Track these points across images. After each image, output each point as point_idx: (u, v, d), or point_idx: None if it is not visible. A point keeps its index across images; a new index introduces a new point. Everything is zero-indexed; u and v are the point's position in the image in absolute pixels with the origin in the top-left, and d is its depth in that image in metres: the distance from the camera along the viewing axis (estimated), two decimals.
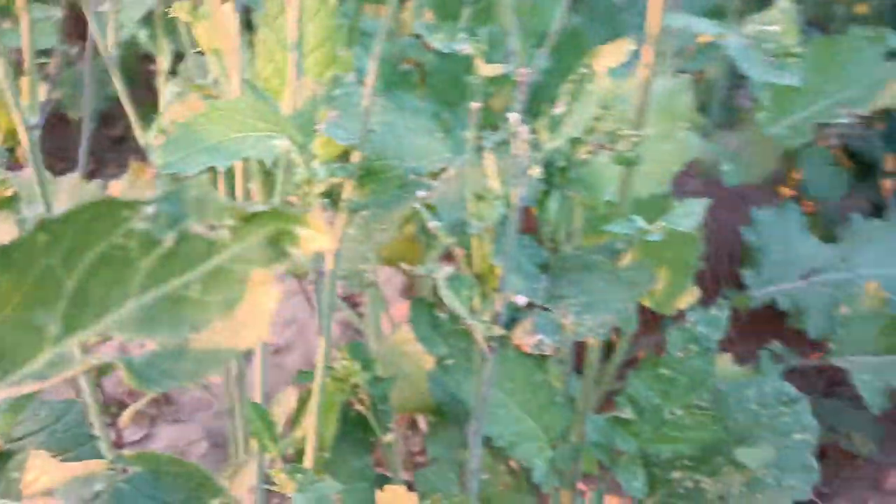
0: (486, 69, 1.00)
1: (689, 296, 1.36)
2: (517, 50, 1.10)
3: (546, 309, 1.01)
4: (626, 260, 1.15)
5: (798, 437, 1.12)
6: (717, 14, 1.50)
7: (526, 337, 0.99)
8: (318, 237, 0.52)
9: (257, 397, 1.03)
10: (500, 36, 1.29)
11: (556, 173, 1.07)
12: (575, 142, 1.00)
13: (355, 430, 1.05)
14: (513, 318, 1.01)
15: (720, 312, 1.13)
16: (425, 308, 1.16)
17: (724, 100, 1.66)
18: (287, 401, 1.07)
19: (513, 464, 1.17)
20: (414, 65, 1.49)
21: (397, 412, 1.25)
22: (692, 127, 1.24)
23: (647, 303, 1.37)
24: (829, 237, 1.66)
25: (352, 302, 1.74)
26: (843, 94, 1.39)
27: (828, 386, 1.55)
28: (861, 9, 1.90)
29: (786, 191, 1.82)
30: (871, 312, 1.33)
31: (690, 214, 1.07)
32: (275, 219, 0.53)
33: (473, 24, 1.53)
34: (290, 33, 1.03)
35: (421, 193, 1.05)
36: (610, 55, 0.97)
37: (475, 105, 1.03)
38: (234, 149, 0.97)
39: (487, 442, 1.10)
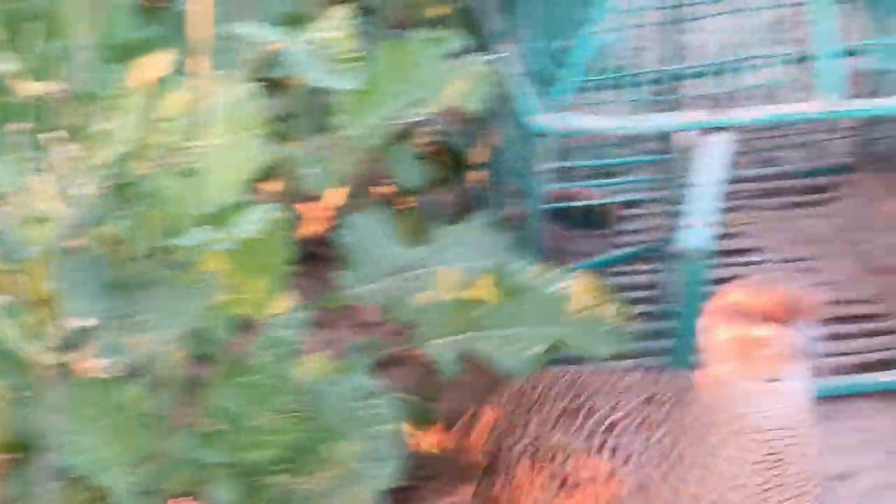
0: (24, 88, 0.96)
1: (285, 300, 1.37)
2: (86, 64, 1.07)
3: (113, 329, 0.99)
4: (213, 270, 1.15)
5: (381, 428, 1.16)
6: (294, 21, 1.52)
7: (92, 360, 0.97)
8: None
9: None
10: (70, 51, 1.25)
11: (121, 190, 1.05)
12: (127, 157, 0.99)
13: None
14: (78, 341, 0.98)
15: (300, 314, 1.15)
16: None
17: (313, 104, 1.68)
18: None
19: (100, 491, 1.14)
20: None
21: None
22: (267, 134, 1.24)
23: (244, 310, 1.36)
24: (423, 230, 1.72)
25: None
26: (413, 94, 1.44)
27: None
28: (444, 11, 1.98)
29: (382, 189, 1.87)
30: (447, 301, 1.38)
31: (256, 221, 1.07)
32: None
33: (47, 39, 1.48)
34: None
35: None
36: (150, 66, 0.96)
37: (21, 126, 0.99)
38: None
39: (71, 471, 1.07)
